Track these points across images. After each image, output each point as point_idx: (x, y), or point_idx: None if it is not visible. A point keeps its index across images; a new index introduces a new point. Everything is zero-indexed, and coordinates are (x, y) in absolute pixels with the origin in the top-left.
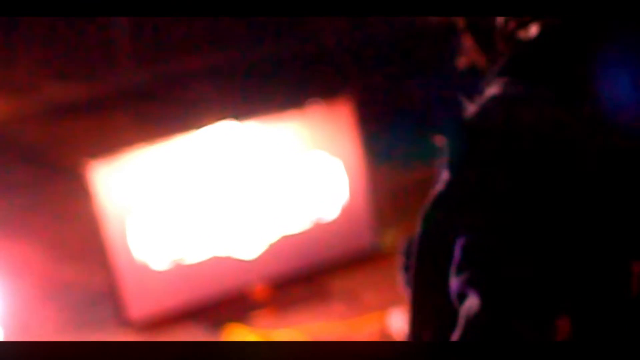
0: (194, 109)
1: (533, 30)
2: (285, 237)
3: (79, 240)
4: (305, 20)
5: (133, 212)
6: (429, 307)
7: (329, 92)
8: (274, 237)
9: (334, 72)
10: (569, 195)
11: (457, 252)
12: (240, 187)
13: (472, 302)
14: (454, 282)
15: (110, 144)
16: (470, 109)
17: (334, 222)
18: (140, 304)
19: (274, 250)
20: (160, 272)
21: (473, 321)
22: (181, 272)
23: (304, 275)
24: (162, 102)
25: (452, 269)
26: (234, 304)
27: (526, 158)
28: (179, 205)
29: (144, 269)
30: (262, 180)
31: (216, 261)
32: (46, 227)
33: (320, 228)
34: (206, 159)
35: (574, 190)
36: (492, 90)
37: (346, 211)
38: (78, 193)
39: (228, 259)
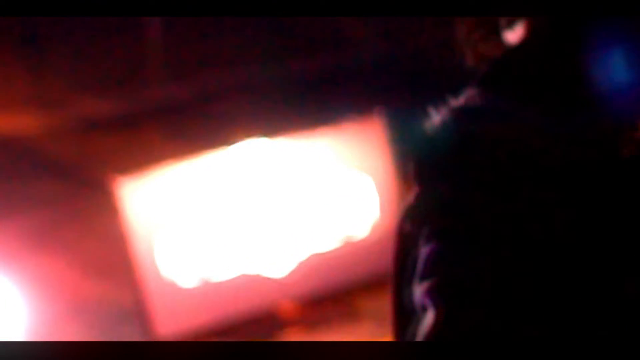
0: (224, 125)
1: (518, 32)
2: (315, 256)
3: (106, 257)
4: (338, 37)
5: (161, 229)
6: (405, 319)
7: (361, 110)
8: (303, 255)
9: (366, 90)
10: (523, 203)
11: (420, 263)
12: (269, 204)
13: (428, 317)
14: (417, 292)
15: (140, 160)
16: (435, 119)
17: (364, 240)
18: (168, 322)
19: (304, 268)
20: (188, 290)
21: (428, 336)
22: (209, 290)
23: (334, 294)
24: (192, 118)
25: (415, 279)
26: (262, 322)
27: (484, 171)
28: (208, 223)
29: (172, 287)
30: (292, 198)
31: (245, 279)
32: (74, 243)
33: (350, 246)
34: (236, 176)
35: (531, 200)
36: (457, 102)
37: (377, 229)
38: (106, 209)
39: (257, 277)
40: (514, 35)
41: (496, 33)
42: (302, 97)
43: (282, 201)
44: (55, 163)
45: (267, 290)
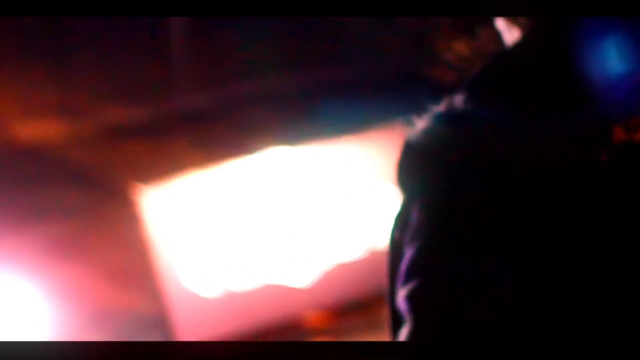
0: (247, 134)
1: (514, 34)
2: (339, 265)
3: (129, 265)
4: (363, 45)
5: (184, 238)
6: (398, 325)
7: (385, 119)
8: (327, 264)
9: (390, 98)
10: (505, 206)
11: (402, 268)
12: (293, 213)
13: (408, 325)
14: (399, 297)
15: (163, 168)
16: (418, 126)
17: None
18: (190, 332)
19: (327, 278)
20: (210, 300)
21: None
22: (232, 299)
23: (358, 303)
24: (216, 126)
25: (398, 285)
26: (285, 331)
27: (461, 177)
28: (231, 231)
29: (194, 297)
30: (315, 207)
31: (268, 289)
32: (97, 251)
33: (375, 256)
34: (259, 184)
35: (513, 202)
36: (438, 107)
37: None
38: (129, 217)
39: (280, 286)
40: (492, 39)
41: (468, 32)
42: (326, 106)
43: (306, 210)
44: (79, 171)
45: (290, 299)
